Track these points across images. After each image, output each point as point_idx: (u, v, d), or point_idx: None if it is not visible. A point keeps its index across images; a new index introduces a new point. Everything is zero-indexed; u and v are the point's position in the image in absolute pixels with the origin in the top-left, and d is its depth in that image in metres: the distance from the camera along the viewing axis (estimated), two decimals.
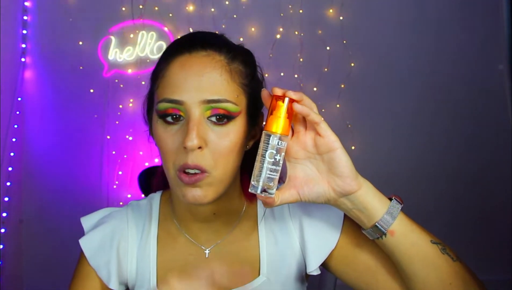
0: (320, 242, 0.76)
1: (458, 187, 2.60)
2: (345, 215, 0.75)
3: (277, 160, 0.60)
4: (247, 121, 0.71)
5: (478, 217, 2.60)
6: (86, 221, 0.82)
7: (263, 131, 0.61)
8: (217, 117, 0.67)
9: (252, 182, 0.61)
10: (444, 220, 2.58)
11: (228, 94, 0.68)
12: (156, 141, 0.71)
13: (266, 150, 0.60)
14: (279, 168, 0.60)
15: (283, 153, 0.60)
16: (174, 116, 0.68)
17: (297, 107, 0.60)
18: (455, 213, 2.59)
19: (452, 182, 2.60)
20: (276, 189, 0.63)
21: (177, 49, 0.71)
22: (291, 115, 0.61)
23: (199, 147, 0.65)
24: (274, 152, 0.60)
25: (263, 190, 0.60)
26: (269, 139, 0.60)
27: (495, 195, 2.60)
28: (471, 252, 2.58)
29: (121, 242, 0.78)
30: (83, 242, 0.78)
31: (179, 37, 0.77)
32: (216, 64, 0.68)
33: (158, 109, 0.69)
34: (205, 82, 0.67)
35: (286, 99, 0.60)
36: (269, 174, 0.60)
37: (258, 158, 0.61)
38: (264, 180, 0.60)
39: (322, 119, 0.61)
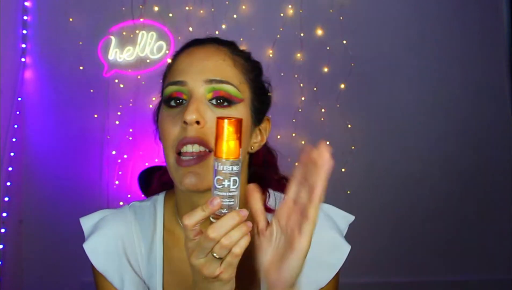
0: (313, 274, 0.74)
1: (457, 187, 2.59)
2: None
3: (227, 186, 0.55)
4: (251, 116, 0.72)
5: (478, 217, 2.60)
6: (85, 222, 0.81)
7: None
8: (218, 100, 0.68)
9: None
10: (444, 220, 2.58)
11: (231, 77, 0.70)
12: (159, 129, 0.72)
13: (215, 177, 0.55)
14: (234, 194, 0.56)
15: (233, 178, 0.55)
16: (178, 101, 0.69)
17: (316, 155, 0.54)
18: (455, 213, 2.59)
19: (452, 182, 2.59)
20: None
21: (185, 46, 0.75)
22: (240, 137, 0.56)
23: (198, 122, 0.65)
24: (221, 178, 0.55)
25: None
26: (216, 165, 0.55)
27: (495, 195, 2.60)
28: (471, 252, 2.59)
29: (127, 248, 0.77)
30: (87, 247, 0.77)
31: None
32: (220, 52, 0.72)
33: (164, 95, 0.70)
34: (208, 65, 0.69)
35: (226, 121, 0.55)
36: (223, 201, 0.56)
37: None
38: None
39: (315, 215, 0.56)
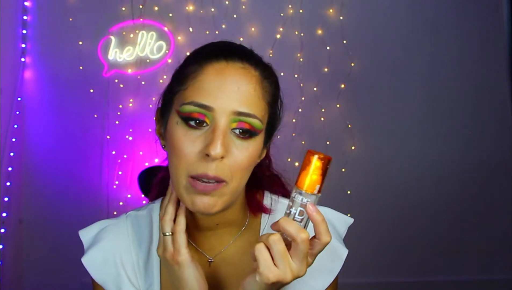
0: (312, 279, 0.74)
1: (458, 187, 2.60)
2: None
3: (293, 213, 0.59)
4: (264, 140, 0.72)
5: (478, 217, 2.60)
6: (84, 234, 0.81)
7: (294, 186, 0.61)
8: (241, 130, 0.66)
9: None
10: (445, 220, 2.58)
11: (258, 110, 0.67)
12: (170, 143, 0.69)
13: (288, 204, 0.61)
14: (298, 223, 0.60)
15: (300, 209, 0.59)
16: (198, 121, 0.66)
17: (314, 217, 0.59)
18: (455, 213, 2.59)
19: (452, 182, 2.60)
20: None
21: (213, 54, 0.70)
22: (324, 174, 0.59)
23: (221, 157, 0.64)
24: (291, 204, 0.60)
25: None
26: (293, 192, 0.60)
27: (495, 195, 2.60)
28: (471, 252, 2.59)
29: (124, 259, 0.77)
30: (86, 261, 0.77)
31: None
32: (252, 78, 0.68)
33: (183, 111, 0.67)
34: (239, 94, 0.66)
35: (315, 157, 0.59)
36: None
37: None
38: None
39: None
